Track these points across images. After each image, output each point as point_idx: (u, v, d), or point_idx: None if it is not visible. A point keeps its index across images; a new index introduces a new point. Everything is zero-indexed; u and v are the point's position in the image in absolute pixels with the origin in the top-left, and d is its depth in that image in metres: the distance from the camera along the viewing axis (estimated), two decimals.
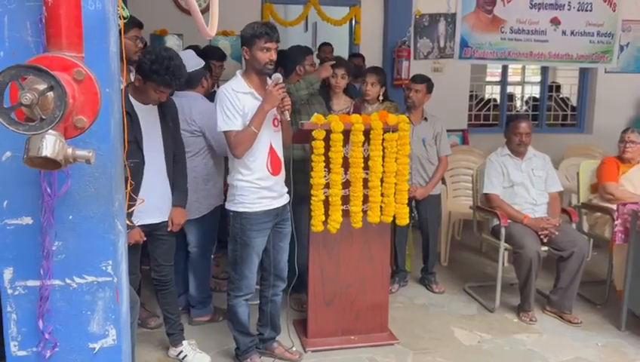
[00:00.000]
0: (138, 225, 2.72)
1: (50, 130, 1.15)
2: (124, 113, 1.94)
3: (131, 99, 2.65)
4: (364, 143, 3.04)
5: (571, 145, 6.26)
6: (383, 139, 3.04)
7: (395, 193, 3.11)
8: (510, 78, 7.23)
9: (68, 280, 1.53)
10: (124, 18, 1.66)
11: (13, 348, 1.53)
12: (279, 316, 3.14)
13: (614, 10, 6.53)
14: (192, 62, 3.42)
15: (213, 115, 2.80)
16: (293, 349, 3.14)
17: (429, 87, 4.04)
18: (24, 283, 1.50)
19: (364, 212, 3.10)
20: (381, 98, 4.19)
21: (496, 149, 4.05)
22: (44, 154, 1.16)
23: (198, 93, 3.41)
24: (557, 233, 3.66)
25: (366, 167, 3.06)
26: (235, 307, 2.91)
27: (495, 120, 6.89)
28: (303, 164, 3.18)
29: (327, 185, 3.01)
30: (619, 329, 3.53)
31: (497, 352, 3.27)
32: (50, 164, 1.20)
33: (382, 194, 3.09)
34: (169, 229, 2.90)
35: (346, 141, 3.00)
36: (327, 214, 3.04)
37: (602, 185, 4.10)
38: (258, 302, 3.10)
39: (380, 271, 3.30)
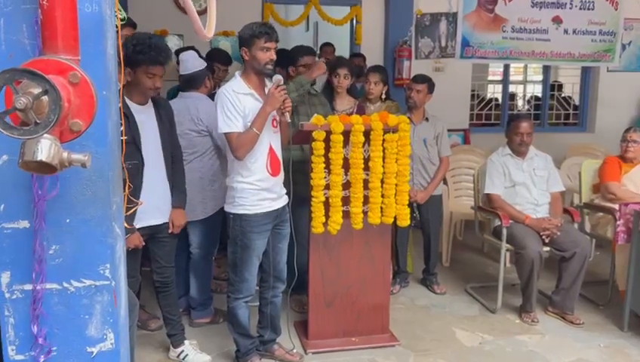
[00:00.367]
0: (140, 227, 2.71)
1: (45, 134, 1.14)
2: (122, 115, 1.94)
3: (127, 100, 2.64)
4: (364, 144, 3.02)
5: (573, 144, 6.24)
6: (384, 140, 3.02)
7: (395, 194, 3.10)
8: (512, 77, 7.21)
9: (65, 284, 1.52)
10: (122, 20, 1.65)
11: (10, 352, 1.53)
12: (279, 317, 3.13)
13: (616, 9, 6.51)
14: (195, 63, 3.43)
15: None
16: (294, 351, 3.14)
17: (430, 87, 4.03)
18: (21, 287, 1.49)
19: (365, 213, 3.09)
20: (384, 97, 4.19)
21: (497, 149, 4.04)
22: (39, 159, 1.15)
23: (202, 94, 3.41)
24: (559, 233, 3.64)
25: (366, 168, 3.05)
26: (235, 309, 2.90)
27: (497, 119, 6.87)
28: (301, 165, 3.17)
29: (327, 187, 3.00)
30: (621, 330, 3.51)
31: (499, 353, 3.26)
32: (46, 168, 1.18)
33: (382, 195, 3.08)
34: (170, 231, 2.90)
35: (346, 142, 2.99)
36: (327, 215, 3.02)
37: (604, 185, 4.08)
38: (258, 304, 3.09)
39: (380, 272, 3.29)
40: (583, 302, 3.86)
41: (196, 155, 3.33)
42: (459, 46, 6.24)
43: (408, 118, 3.18)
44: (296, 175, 2.93)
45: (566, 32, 6.44)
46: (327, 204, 3.01)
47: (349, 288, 3.25)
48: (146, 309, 3.54)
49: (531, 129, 3.87)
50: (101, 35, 1.47)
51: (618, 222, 3.57)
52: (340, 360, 3.15)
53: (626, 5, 6.50)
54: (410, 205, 3.21)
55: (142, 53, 2.57)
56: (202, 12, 2.08)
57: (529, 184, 3.86)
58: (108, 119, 1.50)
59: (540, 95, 7.18)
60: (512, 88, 7.14)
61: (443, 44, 6.22)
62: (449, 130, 4.43)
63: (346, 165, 3.02)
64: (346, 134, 2.98)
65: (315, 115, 3.05)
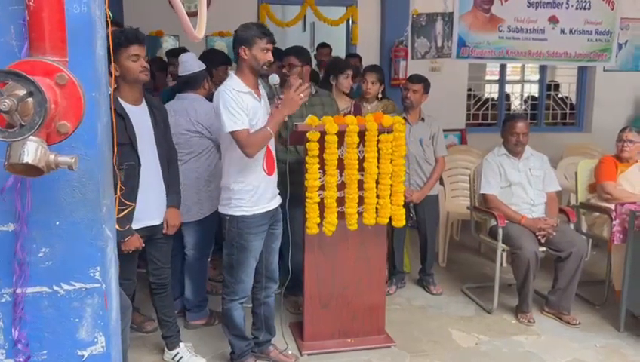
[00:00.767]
0: (138, 229, 2.70)
1: (31, 137, 1.13)
2: (115, 115, 1.92)
3: (121, 101, 2.62)
4: (359, 145, 3.01)
5: (570, 144, 6.23)
6: (378, 141, 3.01)
7: (390, 194, 3.09)
8: (509, 77, 7.21)
9: (55, 287, 1.51)
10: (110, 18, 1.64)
11: (0, 356, 1.52)
12: (273, 318, 3.11)
13: (612, 9, 6.52)
14: (195, 64, 3.41)
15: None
16: (289, 352, 3.12)
17: (427, 87, 4.02)
18: (10, 291, 1.48)
19: (360, 214, 3.08)
20: (380, 96, 4.19)
21: (493, 149, 4.03)
22: (25, 161, 1.14)
23: (199, 95, 3.40)
24: (555, 233, 3.64)
25: (361, 169, 3.03)
26: (230, 311, 2.89)
27: (493, 119, 6.87)
28: (295, 165, 3.15)
29: (322, 187, 2.99)
30: (617, 330, 3.51)
31: (495, 354, 3.25)
32: (32, 170, 1.17)
33: (377, 196, 3.07)
34: (164, 232, 2.88)
35: (340, 143, 2.98)
36: (322, 216, 3.01)
37: (600, 185, 4.08)
38: (251, 305, 3.08)
39: (376, 272, 3.28)
40: (579, 302, 3.86)
41: (192, 156, 3.32)
42: (455, 46, 6.24)
43: (404, 118, 3.18)
44: (290, 175, 2.93)
45: (562, 31, 6.44)
46: (321, 205, 3.00)
47: (344, 289, 3.23)
48: (140, 311, 3.52)
49: (527, 129, 3.86)
50: (90, 36, 1.45)
51: (614, 222, 3.57)
52: (335, 361, 3.14)
53: (622, 5, 6.51)
54: (406, 205, 3.20)
55: (115, 39, 2.50)
56: (194, 14, 2.06)
57: (525, 184, 3.85)
58: (97, 121, 1.49)
59: (536, 95, 7.19)
60: (508, 88, 7.14)
61: (439, 44, 6.21)
62: (445, 130, 4.43)
63: (341, 166, 3.01)
64: (341, 135, 2.97)
65: (310, 115, 3.03)
